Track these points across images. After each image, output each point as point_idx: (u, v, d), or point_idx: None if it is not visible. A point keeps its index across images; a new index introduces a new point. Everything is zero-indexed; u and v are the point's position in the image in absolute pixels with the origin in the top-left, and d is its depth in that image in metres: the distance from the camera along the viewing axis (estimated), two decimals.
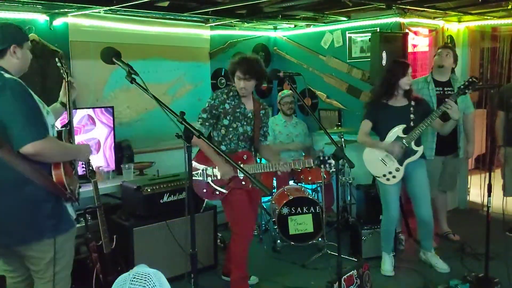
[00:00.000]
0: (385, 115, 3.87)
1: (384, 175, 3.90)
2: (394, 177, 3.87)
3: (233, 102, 3.56)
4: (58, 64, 2.86)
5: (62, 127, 2.71)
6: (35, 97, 2.35)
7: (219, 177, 3.48)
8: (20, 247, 2.37)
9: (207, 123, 3.52)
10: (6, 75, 2.30)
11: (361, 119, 3.99)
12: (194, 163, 3.48)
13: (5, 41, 2.35)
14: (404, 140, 3.78)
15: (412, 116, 3.83)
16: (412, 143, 3.82)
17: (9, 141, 2.22)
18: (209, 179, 3.51)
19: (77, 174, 2.61)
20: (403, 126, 3.81)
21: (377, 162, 3.91)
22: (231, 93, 3.58)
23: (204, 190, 3.52)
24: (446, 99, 3.74)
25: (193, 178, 3.38)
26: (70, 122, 2.74)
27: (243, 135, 3.59)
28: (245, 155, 3.57)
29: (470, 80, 3.68)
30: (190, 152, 2.12)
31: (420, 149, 3.87)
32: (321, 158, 3.39)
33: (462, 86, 3.72)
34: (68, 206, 2.46)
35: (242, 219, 3.54)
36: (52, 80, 4.19)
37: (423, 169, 3.95)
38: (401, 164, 3.85)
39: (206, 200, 3.71)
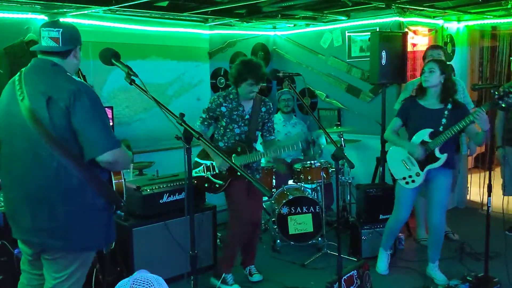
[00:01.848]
0: (416, 115, 3.70)
1: (404, 178, 3.76)
2: (413, 181, 3.73)
3: (230, 105, 3.68)
4: None
5: None
6: None
7: (217, 171, 3.69)
8: (69, 255, 2.31)
9: (205, 123, 3.72)
10: (77, 78, 2.25)
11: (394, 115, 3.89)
12: (197, 159, 3.77)
13: (72, 42, 2.32)
14: (428, 145, 3.62)
15: (444, 120, 3.60)
16: (437, 149, 3.61)
17: (75, 147, 2.18)
18: (209, 174, 3.70)
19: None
20: (430, 130, 3.62)
21: (399, 164, 3.77)
22: (231, 95, 3.69)
23: (206, 185, 3.74)
24: (478, 108, 3.46)
25: (196, 174, 3.71)
26: None
27: (240, 135, 3.72)
28: (239, 147, 3.71)
29: (507, 91, 3.31)
30: (190, 154, 2.12)
31: (443, 157, 3.63)
32: (307, 139, 3.48)
33: (497, 97, 3.33)
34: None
35: (240, 209, 3.70)
36: None
37: (446, 178, 3.73)
38: (422, 170, 3.69)
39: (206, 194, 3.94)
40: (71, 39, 2.31)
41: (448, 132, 3.52)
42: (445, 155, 3.63)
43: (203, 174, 3.73)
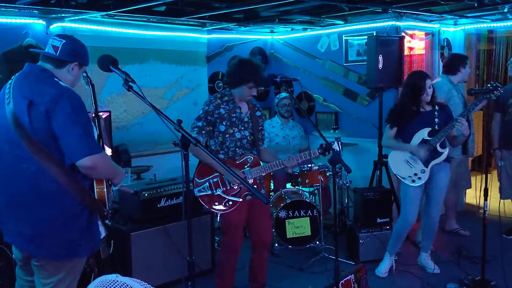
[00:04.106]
0: (411, 120, 3.91)
1: (410, 177, 3.91)
2: (419, 178, 3.89)
3: (227, 107, 3.36)
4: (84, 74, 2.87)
5: None
6: None
7: (228, 186, 3.30)
8: (53, 262, 2.31)
9: (203, 131, 3.31)
10: (62, 83, 2.27)
11: (386, 124, 4.04)
12: (197, 180, 3.32)
13: (70, 55, 2.35)
14: (430, 142, 3.83)
15: (437, 120, 3.89)
16: (438, 145, 3.85)
17: (57, 152, 2.18)
18: (219, 191, 3.29)
19: (112, 191, 2.57)
20: (429, 129, 3.87)
21: (403, 164, 3.93)
22: (226, 98, 3.39)
23: (217, 203, 3.30)
24: (457, 117, 3.74)
25: (201, 193, 3.26)
26: (100, 136, 2.70)
27: (241, 141, 3.39)
28: (250, 157, 3.40)
29: (494, 85, 3.64)
30: (188, 160, 2.12)
31: (445, 151, 3.88)
32: (324, 145, 3.27)
33: (489, 89, 3.64)
34: (99, 224, 2.41)
35: (233, 232, 3.41)
36: None
37: (446, 173, 3.99)
38: (426, 166, 3.88)
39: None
40: (70, 53, 2.34)
41: (448, 128, 3.78)
42: (447, 149, 3.90)
43: (210, 192, 3.28)
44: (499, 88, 3.60)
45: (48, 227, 2.24)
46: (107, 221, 2.51)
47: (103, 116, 4.36)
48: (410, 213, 3.95)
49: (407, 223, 3.98)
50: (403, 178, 3.94)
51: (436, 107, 3.93)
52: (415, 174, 3.89)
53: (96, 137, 2.39)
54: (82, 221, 2.29)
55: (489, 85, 3.69)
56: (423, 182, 3.90)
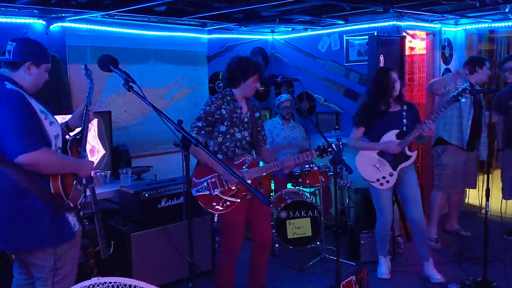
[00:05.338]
0: (379, 120, 3.87)
1: (378, 180, 3.91)
2: (387, 181, 3.89)
3: (228, 107, 3.35)
4: (83, 71, 2.96)
5: (72, 136, 2.71)
6: (38, 107, 2.38)
7: (226, 187, 3.28)
8: (25, 255, 2.45)
9: (203, 132, 3.29)
10: (8, 86, 2.33)
11: (353, 124, 4.00)
12: (195, 180, 3.30)
13: (23, 56, 2.41)
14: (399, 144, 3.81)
15: (405, 121, 3.87)
16: (406, 148, 3.83)
17: (4, 152, 2.26)
18: (217, 191, 3.28)
19: (81, 184, 2.60)
20: (397, 131, 3.83)
21: (371, 167, 3.91)
22: (227, 98, 3.38)
23: (214, 204, 3.28)
24: (426, 120, 3.75)
25: (199, 193, 3.25)
26: (82, 131, 2.73)
27: (241, 141, 3.39)
28: (248, 158, 3.40)
29: (463, 87, 3.68)
30: (188, 161, 2.11)
31: (413, 154, 3.88)
32: (321, 147, 3.28)
33: (455, 93, 3.69)
34: (69, 216, 2.49)
35: (231, 233, 3.39)
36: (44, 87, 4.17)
37: (412, 171, 3.99)
38: (395, 169, 3.87)
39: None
40: (22, 53, 2.41)
41: (415, 132, 3.74)
42: (415, 152, 3.90)
43: (208, 192, 3.27)
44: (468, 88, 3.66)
45: (13, 223, 2.35)
46: (81, 213, 2.59)
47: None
48: (386, 213, 4.00)
49: (384, 223, 4.03)
50: (372, 181, 3.94)
51: (404, 107, 3.90)
52: (384, 178, 3.89)
53: (49, 135, 2.42)
54: (45, 216, 2.37)
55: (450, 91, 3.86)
56: (391, 185, 3.90)
